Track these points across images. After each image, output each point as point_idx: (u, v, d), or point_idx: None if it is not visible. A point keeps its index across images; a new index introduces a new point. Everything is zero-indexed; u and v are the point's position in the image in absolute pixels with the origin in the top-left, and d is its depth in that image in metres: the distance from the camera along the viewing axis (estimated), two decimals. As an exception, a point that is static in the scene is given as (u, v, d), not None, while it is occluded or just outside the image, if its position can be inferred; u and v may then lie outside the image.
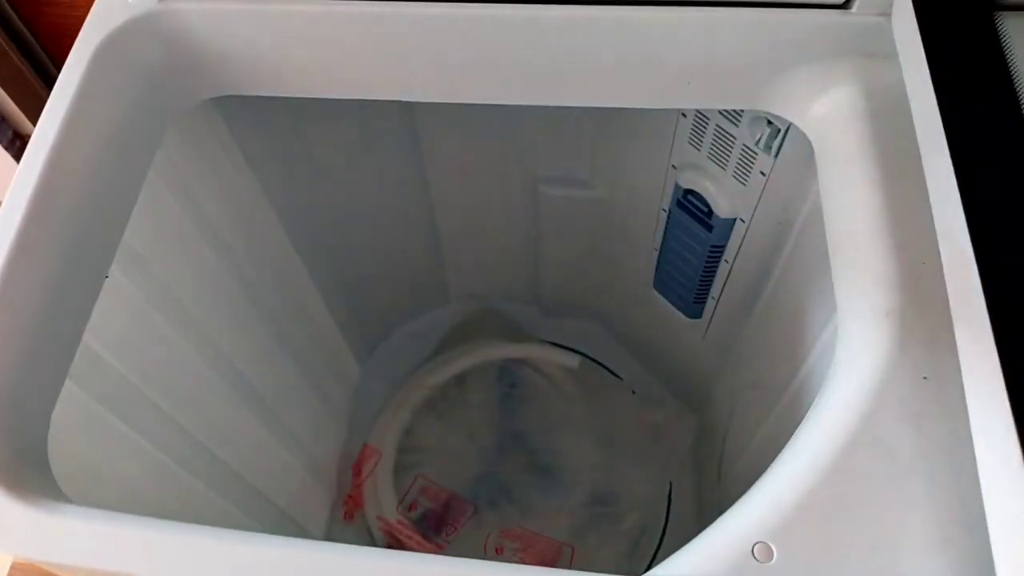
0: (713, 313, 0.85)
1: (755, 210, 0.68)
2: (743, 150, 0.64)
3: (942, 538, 0.32)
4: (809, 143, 0.52)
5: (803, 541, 0.33)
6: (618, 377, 1.07)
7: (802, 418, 0.54)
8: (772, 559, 0.32)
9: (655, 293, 0.90)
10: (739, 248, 0.73)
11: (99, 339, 0.49)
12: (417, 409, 1.03)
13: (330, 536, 0.98)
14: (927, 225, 0.40)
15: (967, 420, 0.34)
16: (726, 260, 0.76)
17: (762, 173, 0.64)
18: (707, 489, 0.92)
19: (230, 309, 0.71)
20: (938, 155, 0.37)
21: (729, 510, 0.35)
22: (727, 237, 0.74)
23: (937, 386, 0.35)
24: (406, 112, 0.79)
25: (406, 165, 0.87)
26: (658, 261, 0.86)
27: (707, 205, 0.72)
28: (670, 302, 0.89)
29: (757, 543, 0.32)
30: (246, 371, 0.74)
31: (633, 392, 1.05)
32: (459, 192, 0.92)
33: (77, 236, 0.43)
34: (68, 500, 0.38)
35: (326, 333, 0.99)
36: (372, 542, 0.97)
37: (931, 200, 0.38)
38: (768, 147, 0.61)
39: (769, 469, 0.37)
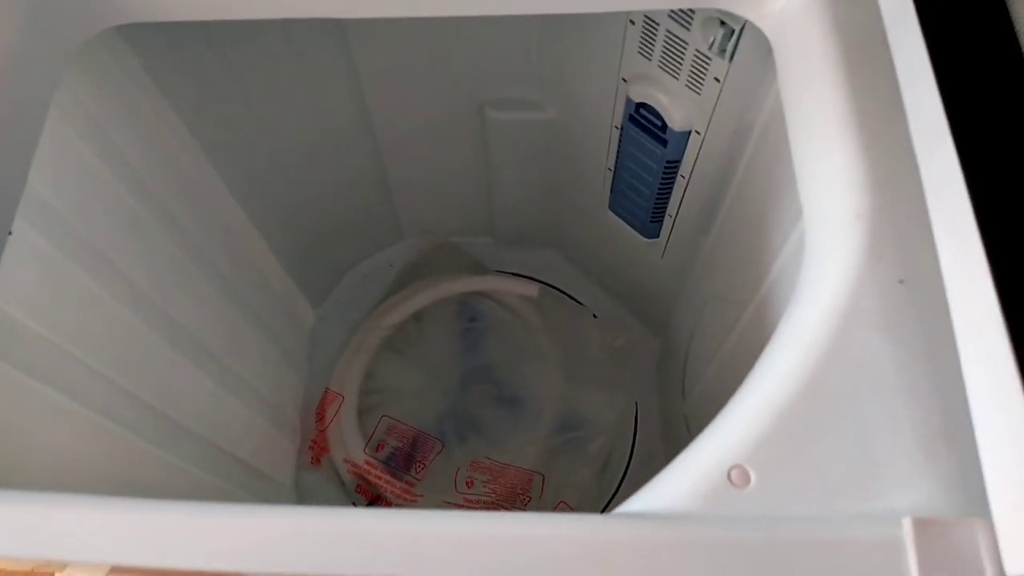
0: (671, 232, 0.82)
1: (710, 120, 0.65)
2: (696, 56, 0.61)
3: (926, 453, 0.30)
4: (765, 42, 0.49)
5: (781, 462, 0.31)
6: (579, 303, 1.05)
7: (769, 329, 0.53)
8: (750, 483, 0.30)
9: (611, 215, 0.87)
10: (695, 162, 0.70)
11: (11, 301, 0.45)
12: (376, 350, 1.01)
13: (299, 483, 0.96)
14: (897, 119, 0.37)
15: (949, 324, 0.32)
16: (682, 175, 0.74)
17: (716, 79, 0.61)
18: (672, 407, 0.92)
19: (164, 261, 0.66)
20: (908, 35, 0.34)
21: (701, 435, 0.34)
22: (682, 151, 0.71)
23: (915, 290, 0.33)
24: (338, 33, 0.74)
25: (343, 95, 0.81)
26: (613, 181, 0.83)
27: (660, 118, 0.69)
28: (627, 223, 0.86)
29: (733, 467, 0.31)
30: (189, 325, 0.70)
31: (595, 317, 1.03)
32: (402, 122, 0.87)
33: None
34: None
35: (275, 279, 0.95)
36: (342, 486, 0.96)
37: (902, 87, 0.36)
38: (722, 50, 0.58)
39: (740, 389, 0.35)
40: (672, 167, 0.73)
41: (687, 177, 0.73)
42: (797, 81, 0.45)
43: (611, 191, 0.84)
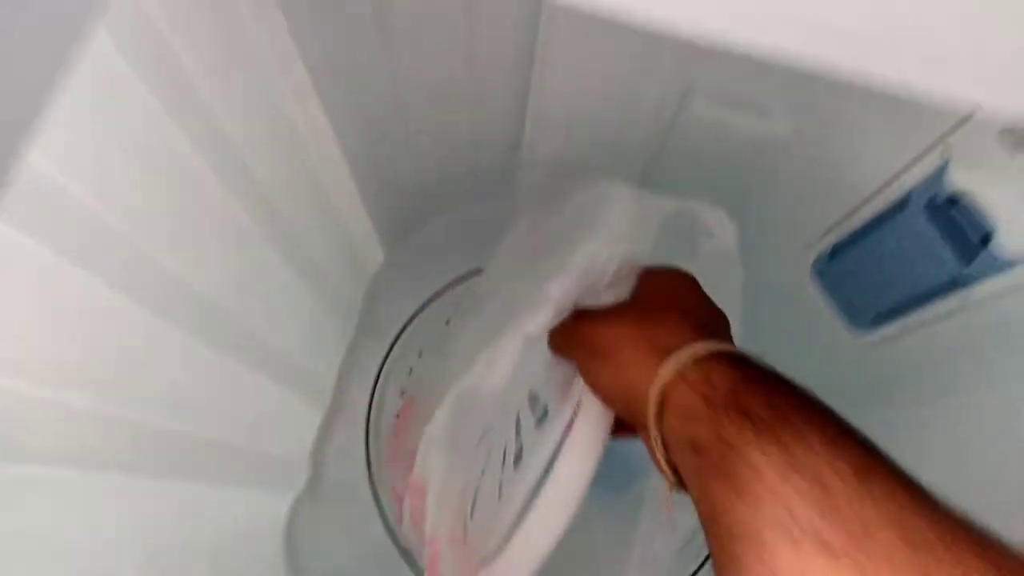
0: (896, 340, 0.59)
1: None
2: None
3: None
4: None
5: None
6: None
7: None
8: None
9: (812, 282, 0.63)
10: (999, 298, 0.46)
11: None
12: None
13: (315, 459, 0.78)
14: None
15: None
16: (961, 295, 0.49)
17: None
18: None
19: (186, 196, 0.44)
20: None
21: None
22: (988, 277, 0.46)
23: None
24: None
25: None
26: (837, 247, 0.58)
27: (982, 231, 0.44)
28: (831, 301, 0.62)
29: None
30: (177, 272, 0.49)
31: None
32: (572, 67, 0.61)
33: None
34: None
35: (346, 209, 0.73)
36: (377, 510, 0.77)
37: None
38: None
39: None
40: (955, 284, 0.49)
41: (967, 303, 0.49)
42: None
43: (830, 257, 0.60)
